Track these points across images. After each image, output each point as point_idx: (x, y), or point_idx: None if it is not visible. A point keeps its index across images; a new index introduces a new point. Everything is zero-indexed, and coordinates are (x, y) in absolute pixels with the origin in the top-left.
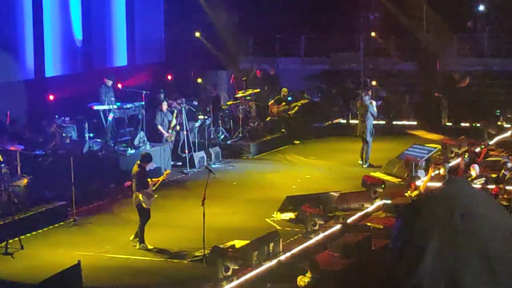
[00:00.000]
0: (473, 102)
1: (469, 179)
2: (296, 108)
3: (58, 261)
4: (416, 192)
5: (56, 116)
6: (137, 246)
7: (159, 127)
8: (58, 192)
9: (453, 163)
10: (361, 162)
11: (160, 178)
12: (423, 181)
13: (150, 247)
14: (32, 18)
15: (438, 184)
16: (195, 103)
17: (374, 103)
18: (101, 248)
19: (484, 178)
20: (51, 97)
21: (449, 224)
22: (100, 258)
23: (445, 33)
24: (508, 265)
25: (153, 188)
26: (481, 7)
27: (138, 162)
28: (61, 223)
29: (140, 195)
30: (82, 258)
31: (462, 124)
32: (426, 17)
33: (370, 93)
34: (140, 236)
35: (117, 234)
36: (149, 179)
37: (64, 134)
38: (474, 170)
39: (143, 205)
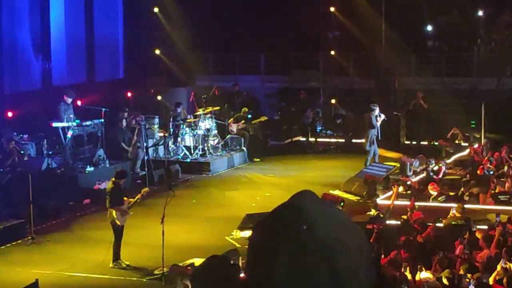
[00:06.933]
0: (431, 120)
1: (430, 197)
2: (255, 125)
3: (15, 280)
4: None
5: (15, 133)
6: (111, 264)
7: (122, 144)
8: (15, 209)
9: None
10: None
11: (137, 196)
12: (391, 199)
13: (124, 264)
14: None
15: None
16: (155, 120)
17: (382, 117)
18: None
19: (444, 196)
20: (10, 114)
21: (296, 238)
22: (58, 277)
23: (403, 52)
24: (357, 282)
25: (129, 205)
26: (429, 27)
27: (113, 179)
28: (19, 241)
29: (114, 212)
30: (40, 276)
31: (421, 143)
32: (384, 36)
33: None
34: (113, 253)
35: (75, 252)
36: (125, 198)
37: (22, 152)
38: (434, 189)
39: (117, 222)
